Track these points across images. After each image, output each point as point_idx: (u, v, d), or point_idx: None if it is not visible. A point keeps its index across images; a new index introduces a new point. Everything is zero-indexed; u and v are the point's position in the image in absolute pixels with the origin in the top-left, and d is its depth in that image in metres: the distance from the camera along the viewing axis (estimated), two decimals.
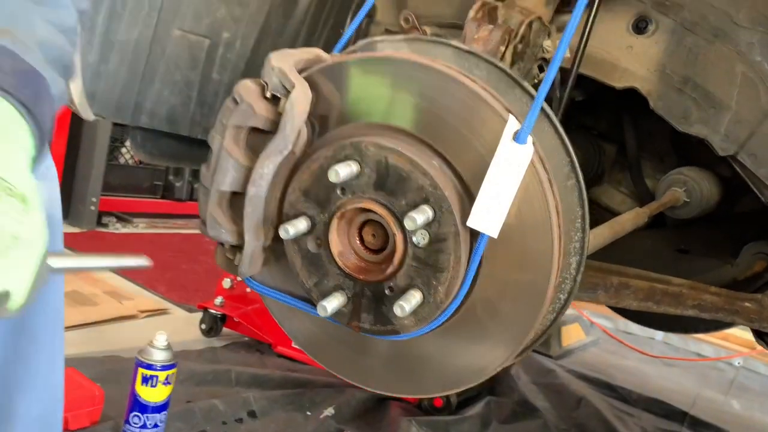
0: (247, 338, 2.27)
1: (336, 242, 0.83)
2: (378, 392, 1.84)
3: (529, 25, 0.97)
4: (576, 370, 2.77)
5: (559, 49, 0.76)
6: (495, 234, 0.75)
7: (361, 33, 1.50)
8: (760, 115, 1.11)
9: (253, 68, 1.45)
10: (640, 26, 1.19)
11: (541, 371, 2.63)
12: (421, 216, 0.74)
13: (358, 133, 0.81)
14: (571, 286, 0.84)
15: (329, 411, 1.86)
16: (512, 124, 0.74)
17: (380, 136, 0.79)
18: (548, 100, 0.92)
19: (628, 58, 1.21)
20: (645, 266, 1.33)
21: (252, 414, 1.75)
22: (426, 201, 0.76)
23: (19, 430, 0.74)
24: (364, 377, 0.91)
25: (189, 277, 2.85)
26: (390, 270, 0.80)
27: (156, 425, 1.47)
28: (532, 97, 0.79)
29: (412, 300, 0.77)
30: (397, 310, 0.76)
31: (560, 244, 0.77)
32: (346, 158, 0.79)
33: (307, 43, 1.52)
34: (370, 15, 1.49)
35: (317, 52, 0.85)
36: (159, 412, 1.47)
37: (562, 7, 1.16)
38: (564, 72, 1.15)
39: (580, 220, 0.82)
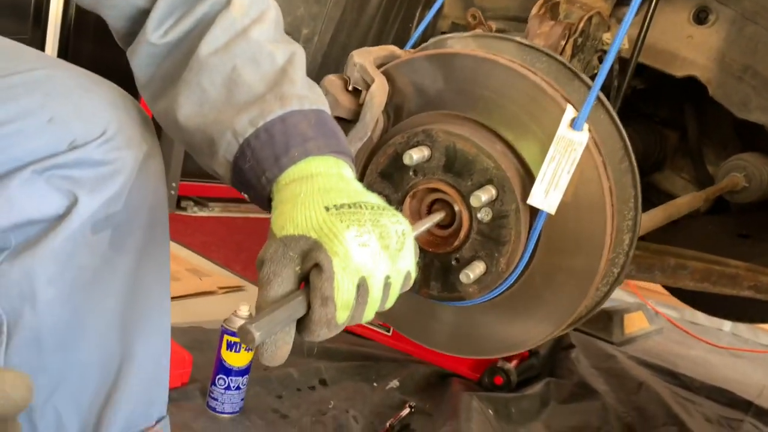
0: None
1: (408, 218, 0.93)
2: (440, 358, 1.95)
3: (589, 19, 1.04)
4: (638, 357, 2.78)
5: (614, 43, 0.83)
6: (552, 211, 0.83)
7: (430, 26, 1.59)
8: None
9: (329, 61, 1.56)
10: (700, 17, 1.24)
11: (602, 356, 2.66)
12: (485, 195, 0.83)
13: (429, 121, 0.91)
14: (623, 261, 0.91)
15: (394, 383, 1.97)
16: (569, 113, 0.82)
17: (449, 123, 0.89)
18: (607, 88, 0.99)
19: (689, 48, 1.25)
20: (705, 250, 1.37)
21: (323, 382, 1.88)
22: (490, 181, 0.85)
23: (136, 367, 0.88)
24: (432, 339, 1.01)
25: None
26: (456, 243, 0.90)
27: (238, 387, 1.62)
28: (589, 87, 0.86)
29: (476, 269, 0.87)
30: (463, 277, 0.86)
31: (613, 221, 0.85)
32: (418, 144, 0.89)
33: (379, 37, 1.62)
34: (438, 9, 1.58)
35: (392, 49, 0.95)
36: (241, 376, 1.62)
37: (623, 0, 1.22)
38: (624, 62, 1.21)
39: (632, 200, 0.89)
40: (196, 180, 3.89)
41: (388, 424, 1.68)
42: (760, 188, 1.36)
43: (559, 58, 0.88)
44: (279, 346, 0.60)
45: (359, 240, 0.61)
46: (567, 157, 0.81)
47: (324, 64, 1.56)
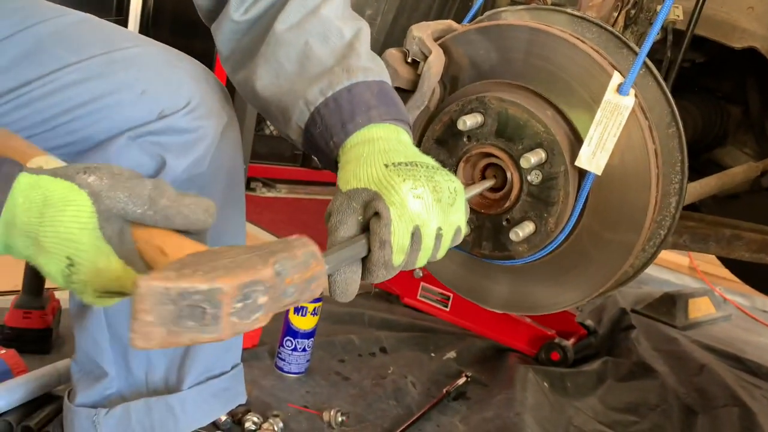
0: (377, 289, 2.50)
1: (462, 182, 1.00)
2: (497, 333, 2.00)
3: None
4: (701, 341, 2.73)
5: (661, 12, 0.86)
6: (599, 172, 0.88)
7: (489, 3, 1.64)
8: None
9: (390, 41, 1.63)
10: None
11: (664, 339, 2.62)
12: (534, 157, 0.89)
13: (482, 89, 0.97)
14: (670, 223, 0.95)
15: (451, 354, 2.04)
16: (616, 78, 0.86)
17: (502, 91, 0.94)
18: (661, 61, 1.02)
19: (748, 19, 1.25)
20: (766, 225, 1.36)
21: (383, 350, 1.97)
22: (540, 145, 0.91)
23: None
24: (485, 298, 1.07)
25: (325, 236, 3.13)
26: (507, 205, 0.96)
27: (304, 349, 1.72)
28: (636, 55, 0.90)
29: (525, 228, 0.92)
30: (512, 235, 0.92)
31: (658, 182, 0.89)
32: (472, 111, 0.95)
33: (439, 16, 1.68)
34: None
35: (449, 23, 1.01)
36: (307, 338, 1.72)
37: None
38: (681, 34, 1.22)
39: (679, 164, 0.92)
40: (265, 162, 4.06)
41: (444, 391, 1.75)
42: None
43: (608, 27, 0.92)
44: (348, 283, 0.67)
45: (414, 192, 0.67)
46: (613, 121, 0.85)
47: (386, 44, 1.63)
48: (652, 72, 0.91)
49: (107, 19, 0.99)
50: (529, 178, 0.93)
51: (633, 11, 1.06)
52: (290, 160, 4.22)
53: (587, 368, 2.12)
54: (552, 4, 1.18)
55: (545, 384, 1.91)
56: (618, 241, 0.92)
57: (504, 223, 0.97)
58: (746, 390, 2.27)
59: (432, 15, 1.65)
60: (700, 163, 1.70)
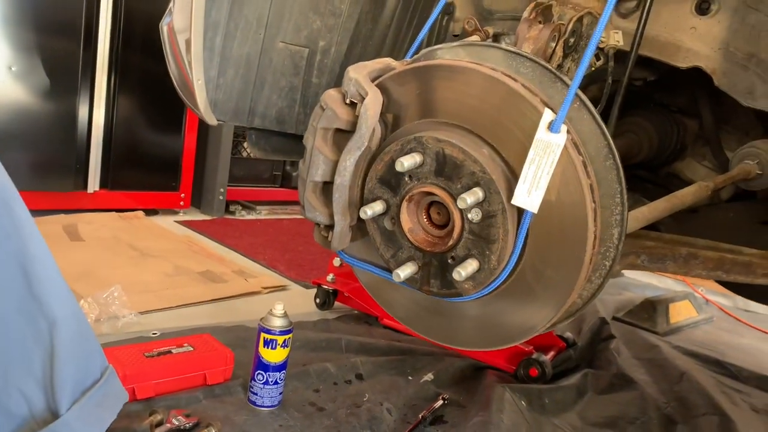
0: (356, 311, 2.49)
1: (407, 220, 0.99)
2: (475, 352, 1.99)
3: (579, 20, 1.07)
4: (683, 347, 2.73)
5: (591, 43, 0.86)
6: (535, 210, 0.88)
7: (442, 30, 1.64)
8: None
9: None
10: (702, 7, 1.24)
11: (644, 347, 2.62)
12: (471, 197, 0.89)
13: (421, 129, 0.97)
14: (614, 254, 0.94)
15: (429, 376, 2.03)
16: (547, 116, 0.86)
17: (439, 131, 0.94)
18: (602, 84, 1.02)
19: (692, 39, 1.26)
20: (724, 238, 1.37)
21: (359, 377, 1.96)
22: (477, 184, 0.90)
23: (62, 328, 0.89)
24: (443, 335, 1.07)
25: (305, 257, 3.13)
26: (451, 242, 0.96)
27: (276, 382, 1.70)
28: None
29: (468, 267, 0.92)
30: (456, 275, 0.91)
31: (594, 216, 0.89)
32: (410, 151, 0.95)
33: (394, 44, 1.68)
34: (450, 12, 1.62)
35: (388, 61, 1.01)
36: (278, 371, 1.70)
37: None
38: (625, 55, 1.23)
39: (619, 196, 0.92)
40: (243, 185, 4.05)
41: (420, 416, 1.73)
42: None
43: (541, 62, 0.92)
44: None
45: None
46: (546, 159, 0.85)
47: (342, 74, 1.63)
48: (585, 105, 0.91)
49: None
50: (469, 216, 0.93)
51: (572, 39, 1.06)
52: (269, 181, 4.22)
53: (566, 383, 2.10)
54: (493, 35, 1.18)
55: (523, 402, 1.90)
56: (560, 278, 0.91)
57: (449, 260, 0.97)
58: (727, 396, 2.27)
59: (386, 44, 1.65)
60: (661, 177, 1.71)
